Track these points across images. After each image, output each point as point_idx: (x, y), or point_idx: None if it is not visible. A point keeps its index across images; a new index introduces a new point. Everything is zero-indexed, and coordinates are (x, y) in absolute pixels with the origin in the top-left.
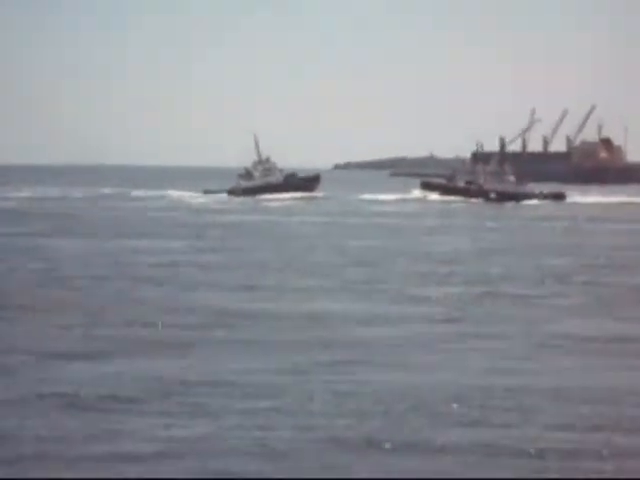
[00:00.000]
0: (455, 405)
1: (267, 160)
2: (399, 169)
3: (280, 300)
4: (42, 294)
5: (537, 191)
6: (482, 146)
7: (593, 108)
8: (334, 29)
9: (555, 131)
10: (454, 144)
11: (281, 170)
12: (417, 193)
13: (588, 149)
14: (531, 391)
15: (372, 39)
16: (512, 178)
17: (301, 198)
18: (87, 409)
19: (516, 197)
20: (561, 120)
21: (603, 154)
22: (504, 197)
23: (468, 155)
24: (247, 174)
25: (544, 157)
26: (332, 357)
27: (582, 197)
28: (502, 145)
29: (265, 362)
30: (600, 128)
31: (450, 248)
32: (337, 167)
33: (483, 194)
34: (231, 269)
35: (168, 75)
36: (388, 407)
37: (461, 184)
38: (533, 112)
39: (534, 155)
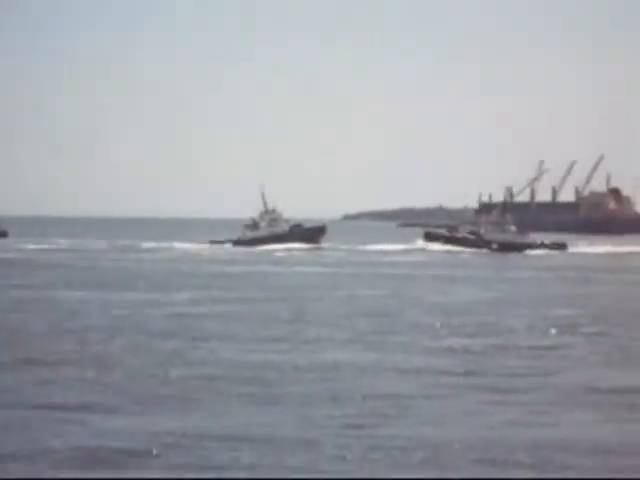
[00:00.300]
0: (470, 458)
1: (273, 211)
2: (407, 220)
3: (291, 352)
4: (53, 346)
5: (539, 241)
6: (491, 196)
7: (601, 158)
8: (345, 78)
9: (563, 181)
10: (464, 195)
11: (287, 220)
12: (420, 243)
13: (597, 200)
14: (545, 444)
15: (384, 89)
16: (513, 228)
17: (307, 249)
18: (98, 463)
19: (517, 247)
20: (569, 171)
21: (612, 204)
22: (505, 247)
23: (477, 206)
24: (253, 224)
25: (552, 207)
26: (342, 411)
27: (588, 247)
28: (509, 195)
29: (275, 415)
30: (609, 178)
31: (458, 299)
32: (347, 217)
33: (484, 244)
34: (241, 320)
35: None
36: (398, 462)
37: (463, 234)
38: (541, 163)
39: (542, 205)
